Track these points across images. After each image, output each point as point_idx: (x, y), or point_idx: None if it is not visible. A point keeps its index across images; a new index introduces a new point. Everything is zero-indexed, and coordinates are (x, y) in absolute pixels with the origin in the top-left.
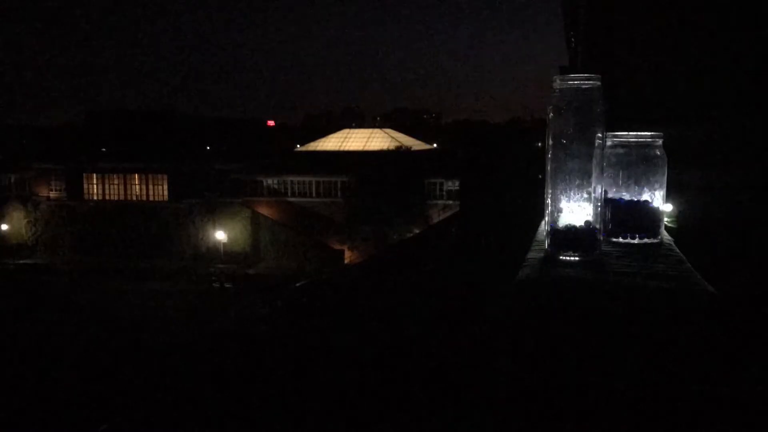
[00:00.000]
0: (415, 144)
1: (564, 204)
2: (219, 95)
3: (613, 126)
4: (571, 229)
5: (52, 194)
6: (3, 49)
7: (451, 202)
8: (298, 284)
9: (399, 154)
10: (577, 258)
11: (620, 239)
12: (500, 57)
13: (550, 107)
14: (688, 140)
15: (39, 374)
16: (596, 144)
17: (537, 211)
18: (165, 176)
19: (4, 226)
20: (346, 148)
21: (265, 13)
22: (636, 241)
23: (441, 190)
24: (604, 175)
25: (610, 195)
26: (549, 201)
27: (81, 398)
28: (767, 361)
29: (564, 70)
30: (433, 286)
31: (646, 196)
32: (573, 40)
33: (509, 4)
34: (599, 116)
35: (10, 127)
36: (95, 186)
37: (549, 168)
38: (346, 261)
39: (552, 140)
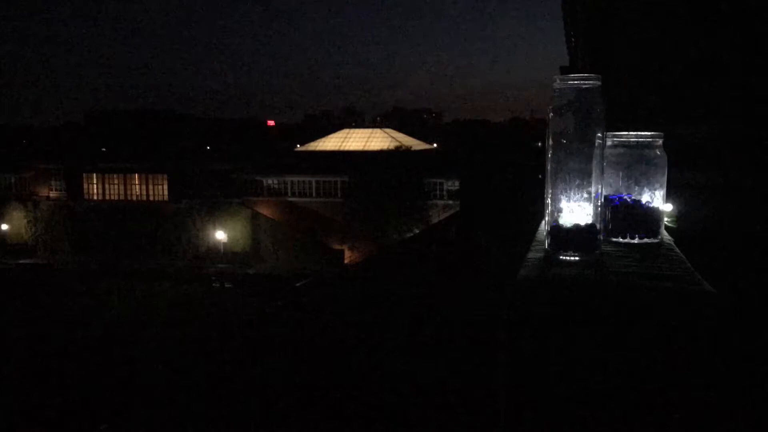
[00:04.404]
0: (415, 144)
1: (564, 204)
2: (219, 95)
3: (613, 126)
4: (571, 229)
5: (52, 194)
6: (3, 49)
7: (451, 202)
8: (298, 284)
9: (399, 154)
10: (577, 258)
11: (620, 239)
12: (500, 57)
13: (550, 107)
14: (688, 140)
15: (41, 374)
16: (596, 144)
17: (537, 210)
18: (165, 176)
19: (4, 226)
20: (346, 148)
21: (265, 14)
22: (636, 241)
23: (441, 190)
24: (604, 175)
25: (610, 195)
26: (549, 201)
27: (81, 398)
28: (767, 360)
29: (564, 70)
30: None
31: (646, 196)
32: (573, 40)
33: (510, 4)
34: (599, 116)
35: (10, 127)
36: (95, 186)
37: (549, 168)
38: (346, 261)
39: (552, 140)
